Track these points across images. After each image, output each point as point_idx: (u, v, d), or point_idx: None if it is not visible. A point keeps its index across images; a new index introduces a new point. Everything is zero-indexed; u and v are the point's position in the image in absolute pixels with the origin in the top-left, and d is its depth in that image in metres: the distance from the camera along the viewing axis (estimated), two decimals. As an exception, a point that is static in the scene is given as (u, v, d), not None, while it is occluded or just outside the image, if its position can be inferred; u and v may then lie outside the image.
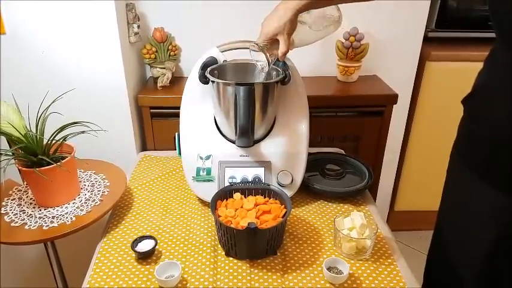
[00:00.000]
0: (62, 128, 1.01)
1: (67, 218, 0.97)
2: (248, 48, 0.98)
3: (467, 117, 0.80)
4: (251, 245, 0.90)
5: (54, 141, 1.00)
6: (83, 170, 1.16)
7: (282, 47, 0.92)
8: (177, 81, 1.52)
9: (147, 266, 0.90)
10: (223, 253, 0.94)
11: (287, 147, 1.09)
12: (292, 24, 0.90)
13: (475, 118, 0.77)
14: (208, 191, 1.04)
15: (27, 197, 1.06)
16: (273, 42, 0.93)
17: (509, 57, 0.67)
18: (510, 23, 0.65)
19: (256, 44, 0.94)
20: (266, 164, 1.08)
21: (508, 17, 0.65)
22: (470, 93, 0.79)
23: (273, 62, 0.97)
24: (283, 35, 0.90)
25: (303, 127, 1.10)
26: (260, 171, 1.07)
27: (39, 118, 0.99)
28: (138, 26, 1.39)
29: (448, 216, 0.88)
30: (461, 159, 0.81)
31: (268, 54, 0.94)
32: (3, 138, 1.02)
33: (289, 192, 1.06)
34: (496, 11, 0.67)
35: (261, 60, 0.97)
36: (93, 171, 1.16)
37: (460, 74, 1.59)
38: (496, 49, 0.73)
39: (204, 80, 1.03)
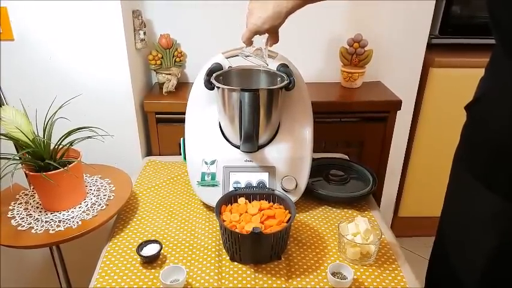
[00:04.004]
0: (69, 133, 1.02)
1: (73, 222, 0.98)
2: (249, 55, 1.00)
3: (470, 123, 0.81)
4: (255, 250, 0.91)
5: (61, 146, 1.01)
6: (89, 175, 1.17)
7: (273, 41, 0.96)
8: (183, 87, 1.54)
9: (152, 270, 0.91)
10: (228, 258, 0.94)
11: (291, 152, 1.09)
12: (282, 23, 0.91)
13: (477, 124, 0.78)
14: (213, 195, 1.05)
15: (33, 201, 1.07)
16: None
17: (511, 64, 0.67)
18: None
19: (246, 51, 0.99)
20: (270, 169, 1.08)
21: (510, 24, 0.65)
22: (473, 100, 0.79)
23: (266, 55, 1.01)
24: (275, 33, 0.94)
25: (307, 132, 1.11)
26: (264, 177, 1.08)
27: (47, 123, 1.00)
28: (144, 33, 1.40)
29: (450, 220, 0.88)
30: (464, 165, 0.81)
31: (264, 54, 0.99)
32: (11, 143, 1.03)
33: (293, 198, 1.06)
34: (497, 19, 0.67)
35: (252, 55, 1.00)
36: (99, 176, 1.17)
37: (463, 80, 1.60)
38: (497, 56, 0.73)
39: (209, 86, 1.04)
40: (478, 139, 0.77)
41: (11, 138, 0.96)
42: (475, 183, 0.77)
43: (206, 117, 1.13)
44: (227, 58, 1.11)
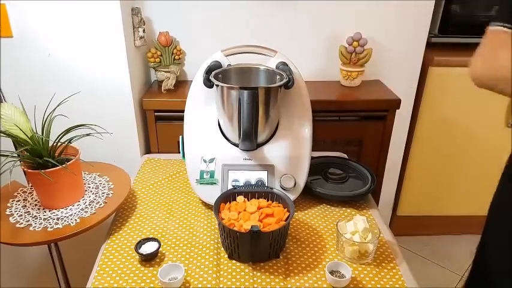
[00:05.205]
0: (68, 131, 1.02)
1: (71, 219, 0.98)
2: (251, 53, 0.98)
3: None
4: (254, 248, 0.91)
5: (59, 144, 1.01)
6: (87, 172, 1.17)
7: None
8: (182, 84, 1.54)
9: (151, 268, 0.91)
10: (226, 256, 0.94)
11: (290, 151, 1.09)
12: None
13: None
14: (212, 193, 1.05)
15: (32, 198, 1.06)
16: None
17: None
18: None
19: None
20: (269, 168, 1.08)
21: None
22: None
23: None
24: None
25: (306, 131, 1.11)
26: (263, 175, 1.08)
27: (45, 120, 1.00)
28: (144, 30, 1.40)
29: (496, 228, 0.85)
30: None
31: None
32: (9, 140, 1.03)
33: (292, 196, 1.06)
34: None
35: None
36: (98, 174, 1.17)
37: (462, 79, 1.60)
38: None
39: (208, 83, 1.04)
40: None
41: (9, 135, 0.96)
42: None
43: (205, 115, 1.13)
44: (226, 56, 1.11)
